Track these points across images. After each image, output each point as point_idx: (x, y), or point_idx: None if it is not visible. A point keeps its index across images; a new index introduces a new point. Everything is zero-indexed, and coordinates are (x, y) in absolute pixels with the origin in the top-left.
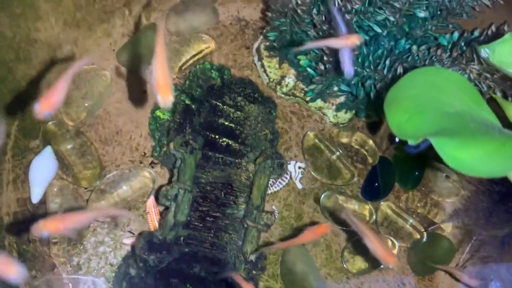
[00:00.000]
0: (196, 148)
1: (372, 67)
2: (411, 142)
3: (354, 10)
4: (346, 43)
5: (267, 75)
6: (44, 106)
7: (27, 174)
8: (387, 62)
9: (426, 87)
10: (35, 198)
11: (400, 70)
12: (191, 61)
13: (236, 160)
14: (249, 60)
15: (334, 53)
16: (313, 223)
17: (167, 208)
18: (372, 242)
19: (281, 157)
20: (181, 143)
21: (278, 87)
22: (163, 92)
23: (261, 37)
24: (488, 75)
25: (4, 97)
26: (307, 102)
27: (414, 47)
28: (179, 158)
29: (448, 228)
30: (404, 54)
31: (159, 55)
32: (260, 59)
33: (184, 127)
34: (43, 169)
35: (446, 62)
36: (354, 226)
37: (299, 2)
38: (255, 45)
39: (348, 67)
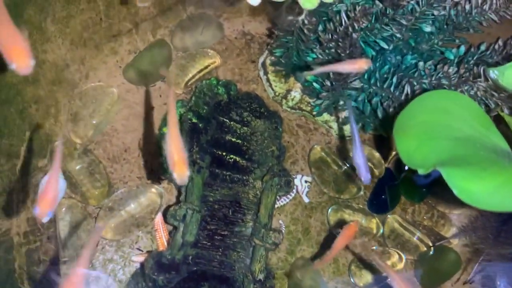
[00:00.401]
0: (204, 167)
1: (378, 84)
2: (421, 171)
3: (360, 29)
4: (354, 68)
5: (272, 89)
6: (44, 207)
7: (36, 193)
8: (394, 79)
9: (435, 112)
10: (45, 218)
11: (407, 88)
12: (197, 76)
13: (244, 177)
14: (255, 74)
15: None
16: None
17: (175, 227)
18: (399, 285)
19: (288, 174)
20: (189, 162)
21: (284, 101)
22: (178, 168)
23: (267, 51)
24: (495, 93)
25: (13, 119)
26: (313, 115)
27: (421, 63)
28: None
29: (455, 241)
30: (411, 69)
31: (172, 131)
32: (265, 73)
33: (191, 146)
34: None
35: (453, 78)
36: (381, 269)
37: (306, 21)
38: (261, 59)
39: (364, 174)
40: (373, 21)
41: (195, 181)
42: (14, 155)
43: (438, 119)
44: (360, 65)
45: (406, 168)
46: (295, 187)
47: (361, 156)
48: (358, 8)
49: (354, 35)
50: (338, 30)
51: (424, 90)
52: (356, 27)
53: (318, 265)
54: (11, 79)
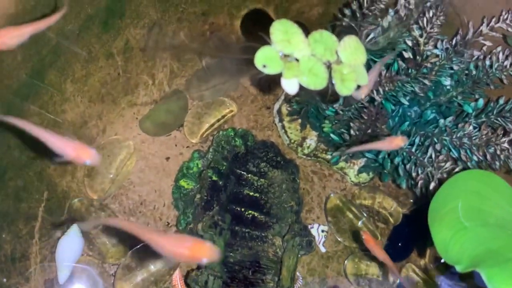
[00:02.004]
0: (225, 229)
1: None
2: (458, 269)
3: (384, 92)
4: (391, 146)
5: (288, 136)
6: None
7: (53, 253)
8: (417, 139)
9: (466, 197)
10: (62, 279)
11: (431, 151)
12: (214, 126)
13: (262, 234)
14: (270, 121)
15: (362, 123)
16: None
17: None
18: None
19: (310, 233)
20: (210, 224)
21: (300, 148)
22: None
23: (282, 97)
24: None
25: (32, 181)
26: (328, 162)
27: (442, 121)
28: (208, 239)
29: None
30: (431, 124)
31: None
32: (281, 120)
33: (211, 205)
34: (70, 250)
35: (474, 138)
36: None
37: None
38: (276, 106)
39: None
40: (397, 84)
41: (217, 244)
42: (32, 218)
43: (470, 203)
44: (397, 143)
45: (443, 260)
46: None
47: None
48: (384, 74)
49: (378, 98)
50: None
51: (449, 152)
52: (381, 91)
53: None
54: (28, 143)
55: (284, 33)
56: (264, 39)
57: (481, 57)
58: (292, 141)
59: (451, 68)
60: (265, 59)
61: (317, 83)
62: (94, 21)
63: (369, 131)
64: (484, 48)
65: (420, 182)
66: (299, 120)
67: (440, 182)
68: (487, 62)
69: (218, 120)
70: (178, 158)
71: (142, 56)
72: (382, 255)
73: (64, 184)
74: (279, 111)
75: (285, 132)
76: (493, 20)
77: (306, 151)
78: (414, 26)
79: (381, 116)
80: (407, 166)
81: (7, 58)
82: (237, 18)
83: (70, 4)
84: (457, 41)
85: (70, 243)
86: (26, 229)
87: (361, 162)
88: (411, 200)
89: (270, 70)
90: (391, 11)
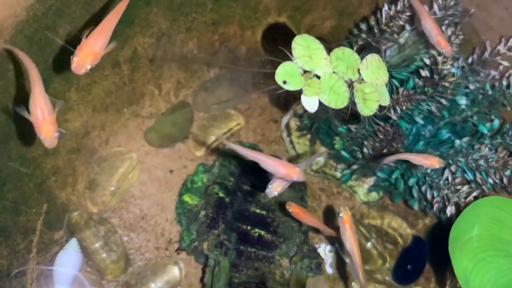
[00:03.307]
0: (231, 248)
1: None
2: None
3: (401, 110)
4: (426, 163)
5: (295, 151)
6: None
7: (51, 267)
8: None
9: (486, 225)
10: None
11: (447, 173)
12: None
13: (269, 254)
14: (277, 135)
15: (377, 142)
16: None
17: None
18: None
19: (319, 255)
20: (216, 244)
21: None
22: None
23: (291, 111)
24: None
25: (31, 194)
26: (337, 179)
27: (457, 142)
28: (213, 259)
29: None
30: (446, 144)
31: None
32: (289, 134)
33: (217, 222)
34: (67, 265)
35: (490, 160)
36: None
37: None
38: (284, 120)
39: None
40: (413, 102)
41: (222, 265)
42: (30, 231)
43: (491, 231)
44: (432, 163)
45: None
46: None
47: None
48: (401, 92)
49: (394, 117)
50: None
51: (464, 174)
52: (398, 110)
53: None
54: (32, 153)
55: (305, 49)
56: (282, 54)
57: (498, 77)
58: (300, 156)
59: (467, 87)
60: (286, 75)
61: (338, 101)
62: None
63: (385, 150)
64: (501, 67)
65: (435, 206)
66: (308, 136)
67: (457, 206)
68: (504, 83)
69: (225, 133)
70: (182, 171)
71: (149, 65)
72: (314, 221)
73: (64, 196)
74: (287, 125)
75: (293, 147)
76: (511, 40)
77: (314, 167)
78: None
79: (397, 136)
80: (422, 188)
81: (14, 66)
82: (248, 28)
83: (80, 11)
84: (473, 60)
85: (68, 258)
86: (23, 243)
87: (371, 180)
88: (421, 222)
89: (290, 87)
90: (408, 28)
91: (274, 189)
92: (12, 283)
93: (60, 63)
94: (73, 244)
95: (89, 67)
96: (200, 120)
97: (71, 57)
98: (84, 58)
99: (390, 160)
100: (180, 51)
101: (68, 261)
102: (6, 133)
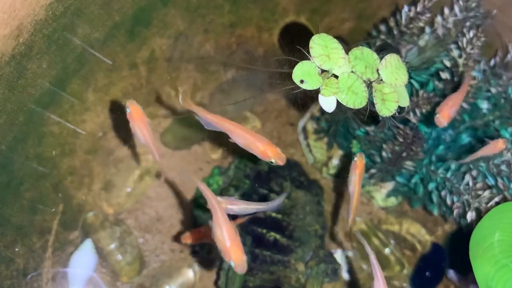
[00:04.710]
0: (246, 252)
1: (433, 166)
2: None
3: (421, 113)
4: (495, 149)
5: (312, 155)
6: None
7: (66, 269)
8: (453, 165)
9: (508, 231)
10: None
11: (468, 178)
12: None
13: (285, 258)
14: (294, 138)
15: (396, 146)
16: None
17: None
18: None
19: (335, 260)
20: None
21: (325, 168)
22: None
23: (308, 114)
24: None
25: (48, 193)
26: None
27: (479, 146)
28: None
29: None
30: (466, 149)
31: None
32: (305, 138)
33: None
34: (82, 266)
35: None
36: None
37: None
38: (301, 123)
39: None
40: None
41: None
42: (46, 231)
43: (511, 237)
44: (500, 146)
45: None
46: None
47: None
48: (421, 94)
49: (414, 120)
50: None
51: (485, 179)
52: (417, 113)
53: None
54: (49, 153)
55: (323, 48)
56: (300, 53)
57: None
58: (317, 160)
59: (488, 91)
60: (303, 74)
61: (356, 102)
62: (120, 29)
63: (404, 154)
64: None
65: (455, 211)
66: (325, 139)
67: (478, 212)
68: None
69: None
70: (197, 174)
71: (166, 67)
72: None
73: (80, 197)
74: (304, 129)
75: (310, 150)
76: None
77: (331, 171)
78: (453, 46)
79: (417, 139)
80: (442, 193)
81: (32, 65)
82: (265, 30)
83: (98, 11)
84: (496, 63)
85: (83, 259)
86: (39, 242)
87: (389, 185)
88: (441, 228)
89: (308, 86)
90: (428, 30)
91: None
92: (28, 282)
93: (78, 63)
94: (88, 244)
95: (445, 123)
96: None
97: (435, 113)
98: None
99: (468, 160)
100: (197, 53)
101: (83, 261)
102: (24, 132)
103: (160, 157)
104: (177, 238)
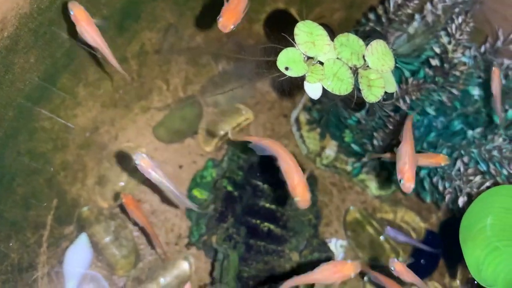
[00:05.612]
0: (240, 242)
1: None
2: None
3: (411, 100)
4: (431, 162)
5: (306, 145)
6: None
7: (61, 263)
8: (444, 151)
9: (499, 214)
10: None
11: (459, 164)
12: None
13: (279, 248)
14: (287, 129)
15: (387, 133)
16: None
17: None
18: None
19: (329, 249)
20: (224, 237)
21: (318, 159)
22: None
23: (300, 106)
24: None
25: (41, 189)
26: (348, 174)
27: (470, 133)
28: (222, 252)
29: None
30: (458, 135)
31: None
32: (298, 129)
33: (226, 216)
34: (78, 260)
35: (504, 151)
36: None
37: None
38: (294, 114)
39: None
40: (424, 93)
41: (231, 258)
42: (41, 226)
43: (503, 221)
44: (438, 161)
45: (476, 282)
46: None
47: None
48: (411, 82)
49: (404, 107)
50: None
51: (477, 165)
52: (407, 100)
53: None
54: (41, 148)
55: (309, 35)
56: (286, 41)
57: (511, 65)
58: (310, 151)
59: (480, 77)
60: (288, 61)
61: (342, 88)
62: (109, 23)
63: (394, 141)
64: None
65: (447, 197)
66: (318, 130)
67: (470, 197)
68: None
69: (234, 128)
70: (191, 167)
71: (157, 60)
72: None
73: (74, 191)
74: (297, 120)
75: (303, 141)
76: None
77: (325, 162)
78: (442, 33)
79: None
80: (434, 180)
81: (19, 59)
82: (256, 21)
83: (85, 5)
84: (486, 49)
85: (78, 253)
86: (34, 237)
87: (383, 174)
88: (434, 215)
89: (293, 73)
90: (417, 17)
91: None
92: (24, 277)
93: (67, 58)
94: (83, 239)
95: (232, 26)
96: (209, 115)
97: (217, 18)
98: (229, 19)
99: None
100: (187, 45)
101: (78, 256)
102: (15, 127)
103: (116, 61)
104: (172, 230)
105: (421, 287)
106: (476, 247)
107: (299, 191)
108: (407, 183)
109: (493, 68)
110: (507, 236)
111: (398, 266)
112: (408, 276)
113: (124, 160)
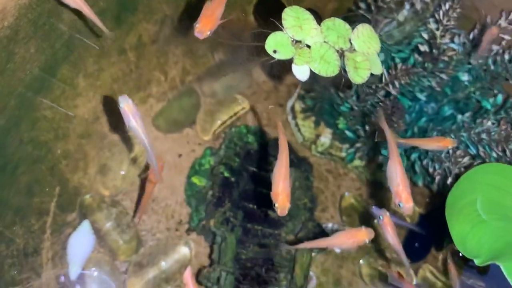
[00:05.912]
0: (237, 225)
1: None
2: (477, 262)
3: (400, 85)
4: (439, 146)
5: (301, 134)
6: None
7: (65, 249)
8: (434, 134)
9: (485, 190)
10: (74, 275)
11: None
12: (226, 123)
13: (275, 231)
14: (283, 118)
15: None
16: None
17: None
18: None
19: (324, 231)
20: (222, 221)
21: (313, 146)
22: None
23: (296, 95)
24: None
25: (44, 176)
26: (343, 160)
27: (459, 117)
28: (220, 235)
29: None
30: (449, 120)
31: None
32: (294, 117)
33: (223, 201)
34: (81, 246)
35: (493, 134)
36: None
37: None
38: (289, 103)
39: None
40: (413, 77)
41: (228, 240)
42: (44, 213)
43: (488, 196)
44: (445, 144)
45: (461, 255)
46: None
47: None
48: (399, 67)
49: (394, 92)
50: (377, 86)
51: (467, 148)
52: (396, 84)
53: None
54: (43, 137)
55: (296, 19)
56: (276, 26)
57: (500, 51)
58: (306, 138)
59: (469, 63)
60: (276, 45)
61: (329, 70)
62: (106, 15)
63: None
64: (503, 42)
65: (437, 178)
66: (313, 118)
67: (458, 177)
68: (506, 57)
69: (231, 117)
70: (190, 155)
71: (154, 52)
72: None
73: (76, 180)
74: (292, 109)
75: (299, 129)
76: None
77: (320, 149)
78: (430, 20)
79: (397, 110)
80: (424, 162)
81: (20, 49)
82: (250, 13)
83: None
84: (474, 36)
85: (81, 239)
86: (38, 224)
87: (377, 160)
88: (428, 199)
89: (280, 56)
90: (406, 4)
91: None
92: (29, 261)
93: (66, 49)
94: (85, 225)
95: (208, 32)
96: (206, 105)
97: (194, 24)
98: (205, 25)
99: (406, 143)
100: (184, 37)
101: (81, 242)
102: (17, 116)
103: (99, 20)
104: (172, 217)
105: (400, 253)
106: (462, 221)
107: (281, 200)
108: (407, 204)
109: (382, 216)
110: (492, 210)
111: (387, 219)
112: (391, 234)
113: (124, 150)
